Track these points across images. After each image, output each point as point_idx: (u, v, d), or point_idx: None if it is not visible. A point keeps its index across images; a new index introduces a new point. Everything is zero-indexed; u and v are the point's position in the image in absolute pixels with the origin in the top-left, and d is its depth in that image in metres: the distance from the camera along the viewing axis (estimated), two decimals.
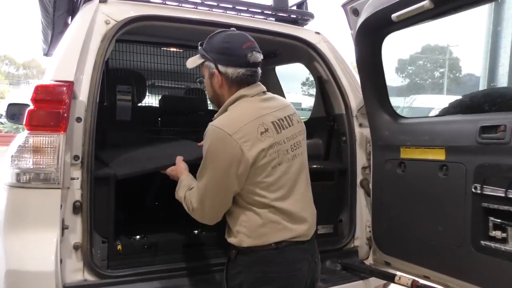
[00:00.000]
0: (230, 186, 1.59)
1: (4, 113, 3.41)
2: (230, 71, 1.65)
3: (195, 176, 1.73)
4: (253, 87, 1.70)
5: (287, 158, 1.67)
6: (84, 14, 2.16)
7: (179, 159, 1.96)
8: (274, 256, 1.62)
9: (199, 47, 1.75)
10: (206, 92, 1.81)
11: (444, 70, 41.74)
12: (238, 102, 1.67)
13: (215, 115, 1.71)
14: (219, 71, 1.66)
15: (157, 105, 3.62)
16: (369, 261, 2.58)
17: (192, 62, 1.78)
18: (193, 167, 1.79)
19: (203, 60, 1.72)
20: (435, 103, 18.56)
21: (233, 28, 1.76)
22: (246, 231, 1.63)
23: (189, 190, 1.73)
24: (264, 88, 1.75)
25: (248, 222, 1.63)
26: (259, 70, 1.72)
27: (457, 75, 44.06)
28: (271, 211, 1.62)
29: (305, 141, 1.82)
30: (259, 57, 1.67)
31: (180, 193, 1.78)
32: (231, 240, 1.67)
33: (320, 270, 2.47)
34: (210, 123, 1.64)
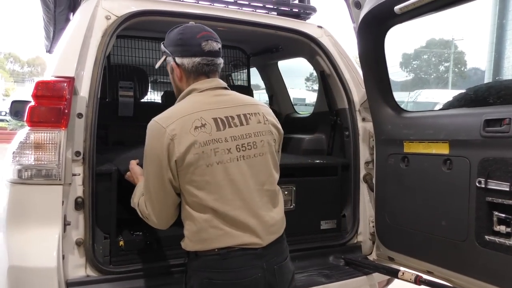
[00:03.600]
0: (166, 178, 1.55)
1: (8, 111, 3.42)
2: (186, 61, 1.63)
3: None
4: (207, 82, 1.65)
5: (229, 158, 1.55)
6: (84, 10, 2.15)
7: (133, 163, 1.93)
8: (217, 262, 1.54)
9: (161, 45, 1.74)
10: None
11: (449, 64, 41.50)
12: (188, 97, 1.65)
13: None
14: (176, 64, 1.65)
15: (160, 101, 3.61)
16: (373, 257, 2.57)
17: (159, 61, 1.77)
18: None
19: (164, 56, 1.72)
20: (440, 97, 18.49)
21: (192, 22, 1.74)
22: (189, 235, 1.58)
23: (142, 196, 1.68)
24: (222, 84, 1.69)
25: (190, 226, 1.58)
26: (219, 60, 1.67)
27: (462, 69, 43.81)
28: (209, 214, 1.54)
29: (272, 144, 1.68)
30: (216, 46, 1.64)
31: (135, 199, 1.73)
32: (181, 243, 1.63)
33: (324, 265, 2.48)
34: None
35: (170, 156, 1.52)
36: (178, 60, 1.65)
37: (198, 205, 1.55)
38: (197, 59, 1.62)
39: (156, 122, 1.57)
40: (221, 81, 1.70)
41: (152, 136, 1.57)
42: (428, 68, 46.31)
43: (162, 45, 1.73)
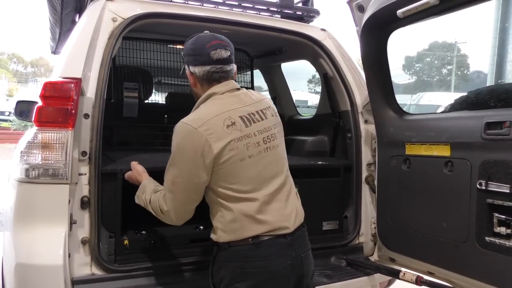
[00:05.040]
0: (199, 177, 1.63)
1: (12, 111, 3.44)
2: (197, 70, 1.74)
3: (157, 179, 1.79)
4: (224, 85, 1.75)
5: (258, 150, 1.69)
6: (91, 12, 2.18)
7: (134, 163, 1.98)
8: (250, 251, 1.64)
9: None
10: None
11: (451, 67, 41.42)
12: (208, 100, 1.74)
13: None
14: (191, 72, 1.77)
15: (164, 102, 3.64)
16: (374, 257, 2.59)
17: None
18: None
19: (184, 65, 1.83)
20: (442, 100, 18.45)
21: (206, 31, 1.83)
22: (222, 227, 1.67)
23: (155, 193, 1.76)
24: (237, 85, 1.80)
25: (222, 217, 1.67)
26: (229, 67, 1.77)
27: (465, 72, 43.71)
28: (242, 205, 1.65)
29: (282, 134, 1.86)
30: (224, 54, 1.73)
31: (146, 196, 1.79)
32: (212, 236, 1.72)
33: (326, 266, 2.50)
34: (179, 122, 1.70)
35: (205, 155, 1.60)
36: (191, 68, 1.76)
37: (231, 197, 1.65)
38: (207, 68, 1.72)
39: (186, 124, 1.65)
40: (235, 83, 1.81)
41: (183, 137, 1.64)
42: (431, 71, 46.23)
43: (182, 53, 1.85)
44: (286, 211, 1.73)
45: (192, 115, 1.71)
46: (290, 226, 1.71)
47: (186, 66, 1.80)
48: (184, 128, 1.64)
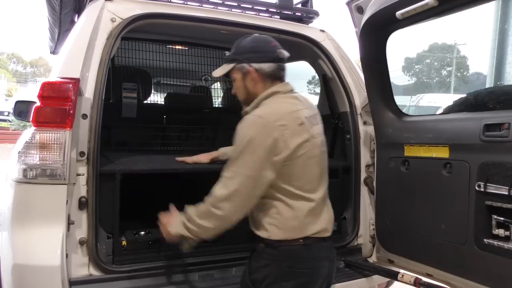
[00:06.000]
0: (268, 172, 1.61)
1: (11, 111, 3.44)
2: (265, 66, 1.75)
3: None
4: (285, 85, 1.80)
5: (318, 152, 1.76)
6: (90, 12, 2.18)
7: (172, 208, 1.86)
8: (301, 251, 1.67)
9: (227, 54, 1.86)
10: (237, 95, 1.88)
11: (451, 69, 41.46)
12: (272, 98, 1.74)
13: (247, 109, 1.77)
14: (254, 69, 1.75)
15: (163, 103, 3.64)
16: (373, 259, 2.59)
17: (221, 69, 1.86)
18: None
19: (233, 64, 1.80)
20: (442, 101, 18.46)
21: (256, 34, 1.86)
22: (278, 224, 1.67)
23: (198, 206, 1.69)
24: (294, 88, 1.83)
25: (279, 214, 1.67)
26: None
27: (465, 73, 43.75)
28: (302, 203, 1.67)
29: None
30: (286, 54, 1.79)
31: (190, 215, 1.70)
32: (261, 233, 1.70)
33: None
34: (247, 115, 1.69)
35: (278, 150, 1.61)
36: (255, 65, 1.75)
37: (294, 194, 1.67)
38: (275, 65, 1.76)
39: (260, 117, 1.64)
40: (292, 85, 1.84)
41: (257, 130, 1.61)
42: (430, 73, 46.27)
43: (230, 54, 1.83)
44: (329, 215, 1.80)
45: (262, 109, 1.70)
46: (330, 230, 1.78)
47: (244, 64, 1.76)
48: (259, 120, 1.63)
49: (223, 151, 2.32)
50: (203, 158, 2.33)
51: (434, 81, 45.08)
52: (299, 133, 1.66)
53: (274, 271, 1.67)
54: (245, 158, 1.61)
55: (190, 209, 1.72)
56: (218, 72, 1.88)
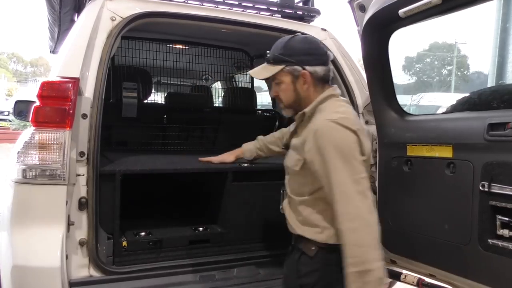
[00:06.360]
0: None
1: (11, 111, 3.42)
2: (319, 69, 1.69)
3: None
4: (336, 88, 1.76)
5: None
6: (90, 11, 2.16)
7: None
8: None
9: (273, 55, 1.72)
10: (280, 98, 1.76)
11: (451, 68, 41.43)
12: (330, 101, 1.70)
13: (307, 113, 1.69)
14: (309, 72, 1.68)
15: (163, 102, 3.62)
16: None
17: (265, 71, 1.74)
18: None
19: (282, 66, 1.69)
20: (442, 101, 18.45)
21: (299, 33, 1.81)
22: (333, 227, 1.60)
23: (351, 253, 1.49)
24: None
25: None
26: None
27: (465, 72, 43.73)
28: None
29: None
30: (332, 55, 1.77)
31: (365, 264, 1.46)
32: (316, 236, 1.64)
33: None
34: (321, 121, 1.60)
35: (359, 152, 1.59)
36: (309, 68, 1.68)
37: None
38: (326, 67, 1.71)
39: (338, 122, 1.57)
40: None
41: (345, 134, 1.57)
42: (431, 72, 46.24)
43: (278, 55, 1.70)
44: None
45: (333, 113, 1.62)
46: None
47: (298, 67, 1.67)
48: (336, 126, 1.57)
49: (246, 148, 2.32)
50: (228, 157, 2.33)
51: (435, 80, 45.05)
52: (367, 137, 1.66)
53: (326, 276, 1.61)
54: (348, 163, 1.53)
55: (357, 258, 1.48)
56: (262, 73, 1.76)
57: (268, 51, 1.78)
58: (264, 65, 1.76)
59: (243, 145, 2.34)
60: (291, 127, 1.93)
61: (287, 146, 1.86)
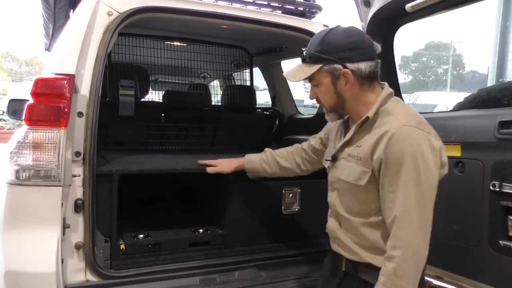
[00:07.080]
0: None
1: (6, 110, 3.36)
2: (363, 66, 1.44)
3: None
4: (388, 86, 1.53)
5: None
6: (85, 6, 2.09)
7: None
8: None
9: (309, 53, 1.49)
10: (320, 101, 1.57)
11: (447, 67, 41.62)
12: (391, 102, 1.48)
13: (370, 117, 1.46)
14: (351, 70, 1.44)
15: (161, 101, 3.57)
16: None
17: (300, 72, 1.52)
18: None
19: (319, 65, 1.47)
20: (438, 99, 18.50)
21: (338, 24, 1.54)
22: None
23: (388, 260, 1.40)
24: None
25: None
26: None
27: (461, 72, 43.95)
28: None
29: None
30: (380, 47, 1.51)
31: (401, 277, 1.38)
32: (370, 259, 1.47)
33: None
34: (396, 125, 1.38)
35: (439, 165, 1.41)
36: (351, 66, 1.44)
37: None
38: (373, 63, 1.47)
39: (416, 129, 1.38)
40: None
41: (424, 145, 1.36)
42: (427, 71, 46.40)
43: (314, 53, 1.48)
44: None
45: (407, 117, 1.41)
46: None
47: (338, 66, 1.45)
48: (418, 133, 1.36)
49: (249, 159, 2.11)
50: (227, 167, 2.12)
51: (431, 79, 45.22)
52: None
53: None
54: (420, 181, 1.35)
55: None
56: (297, 75, 1.53)
57: (303, 48, 1.53)
58: (300, 64, 1.54)
59: (246, 155, 2.13)
60: (331, 135, 1.73)
61: (334, 158, 1.63)
